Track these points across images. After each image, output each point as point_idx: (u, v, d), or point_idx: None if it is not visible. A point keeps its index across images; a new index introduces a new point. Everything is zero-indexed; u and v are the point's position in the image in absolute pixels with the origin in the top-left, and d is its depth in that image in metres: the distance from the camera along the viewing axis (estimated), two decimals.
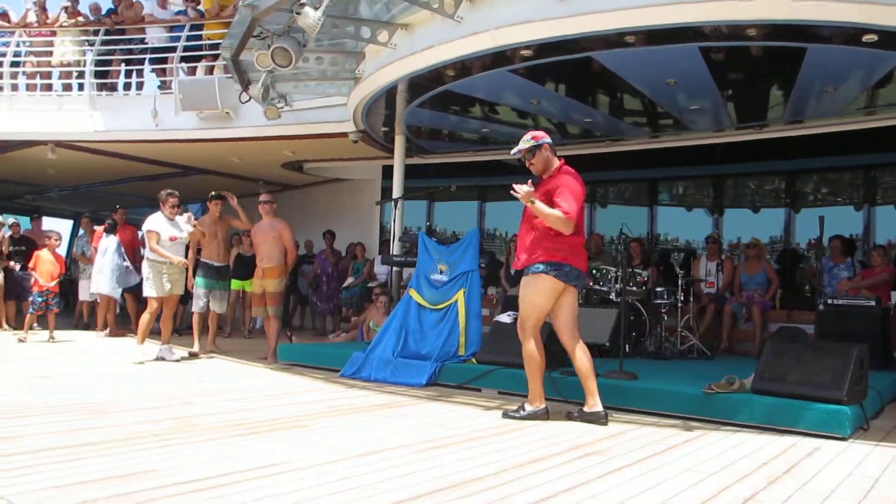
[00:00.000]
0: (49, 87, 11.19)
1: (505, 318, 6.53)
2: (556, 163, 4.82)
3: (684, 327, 7.69)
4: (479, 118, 9.41)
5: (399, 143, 9.45)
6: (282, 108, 8.37)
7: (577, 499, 2.92)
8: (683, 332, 7.67)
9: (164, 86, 10.72)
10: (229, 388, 5.73)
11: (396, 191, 9.06)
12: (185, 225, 7.62)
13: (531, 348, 4.73)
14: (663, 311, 7.79)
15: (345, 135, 9.65)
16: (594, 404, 4.63)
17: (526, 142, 4.81)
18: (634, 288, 7.77)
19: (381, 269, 10.63)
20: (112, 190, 14.65)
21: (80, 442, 3.62)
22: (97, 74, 10.76)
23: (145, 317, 7.45)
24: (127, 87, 11.27)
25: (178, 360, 7.38)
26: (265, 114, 8.32)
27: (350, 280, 11.27)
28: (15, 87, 11.03)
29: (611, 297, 7.74)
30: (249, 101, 8.41)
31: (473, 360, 6.29)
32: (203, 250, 8.18)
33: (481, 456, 3.61)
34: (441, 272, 6.76)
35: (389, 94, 8.06)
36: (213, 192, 8.30)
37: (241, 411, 4.69)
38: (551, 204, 4.57)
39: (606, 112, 8.98)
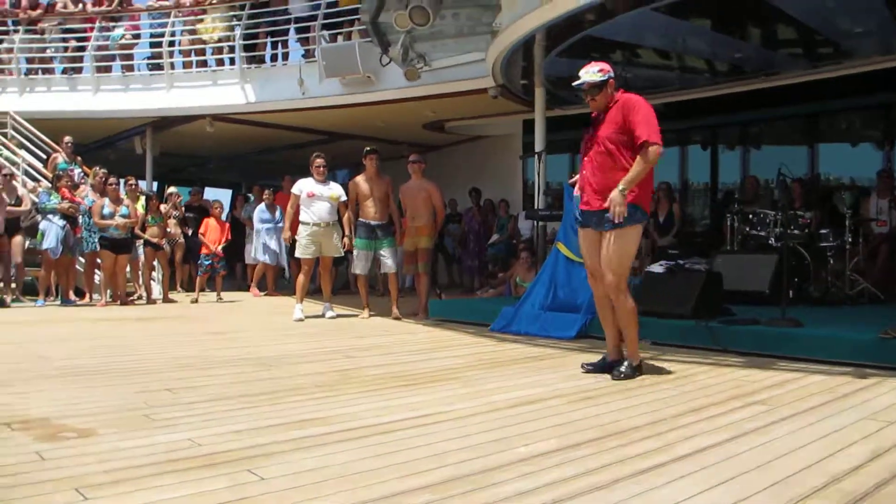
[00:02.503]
0: (204, 64, 11.89)
1: (657, 268, 6.34)
2: (615, 95, 4.34)
3: (853, 270, 7.16)
4: (620, 63, 9.07)
5: (539, 95, 9.29)
6: (421, 68, 8.47)
7: (740, 449, 2.81)
8: (853, 276, 7.14)
9: (307, 55, 11.09)
10: (385, 343, 5.94)
11: (538, 144, 8.93)
12: (335, 187, 7.87)
13: (632, 304, 4.36)
14: (829, 254, 7.29)
15: (484, 91, 9.62)
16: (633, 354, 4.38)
17: (593, 74, 4.30)
18: (796, 231, 7.31)
19: (524, 225, 10.60)
20: (264, 160, 15.45)
21: (254, 392, 3.89)
22: (246, 48, 11.28)
23: (300, 278, 7.85)
24: (273, 58, 11.77)
25: (334, 318, 7.72)
26: (405, 75, 8.46)
27: (495, 237, 11.33)
28: (173, 66, 11.81)
29: (770, 242, 7.33)
30: (390, 64, 8.55)
31: None
32: (360, 210, 7.85)
33: (637, 406, 3.55)
34: None
35: (527, 45, 7.92)
36: (367, 147, 8.03)
37: (399, 364, 4.86)
38: (622, 135, 4.20)
39: (758, 44, 8.39)
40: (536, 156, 8.41)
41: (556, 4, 6.65)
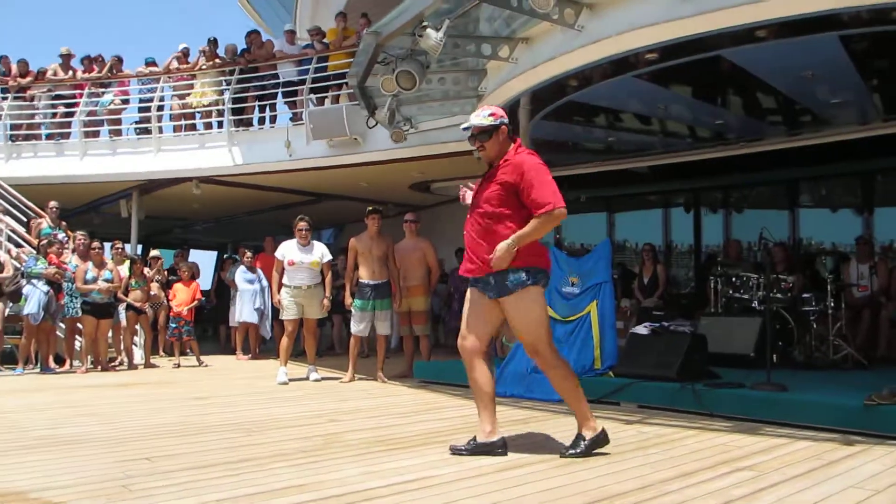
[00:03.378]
0: (192, 127, 12.00)
1: (641, 329, 6.36)
2: (510, 147, 3.92)
3: (836, 335, 7.19)
4: (603, 127, 9.25)
5: None
6: (407, 130, 8.58)
7: None
8: (836, 341, 7.16)
9: (295, 117, 11.22)
10: (370, 406, 5.87)
11: None
12: (317, 250, 7.86)
13: (566, 370, 3.97)
14: (812, 318, 7.32)
15: (471, 152, 9.69)
16: (491, 433, 3.94)
17: (482, 118, 3.91)
18: (779, 295, 7.37)
19: None
20: (251, 220, 15.49)
21: (236, 458, 3.81)
22: (234, 111, 11.41)
23: (284, 340, 7.79)
24: (261, 121, 11.89)
25: (319, 381, 7.63)
26: (391, 137, 8.56)
27: None
28: (161, 130, 11.92)
29: (753, 305, 7.38)
30: (376, 126, 8.66)
31: (610, 373, 6.16)
32: (360, 269, 7.72)
33: (624, 471, 3.51)
34: (572, 284, 6.66)
35: (512, 108, 8.06)
36: (370, 207, 7.95)
37: (384, 427, 4.80)
38: (509, 197, 3.79)
39: (739, 112, 8.60)
40: None
41: (538, 71, 6.81)
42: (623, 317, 8.98)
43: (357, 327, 7.70)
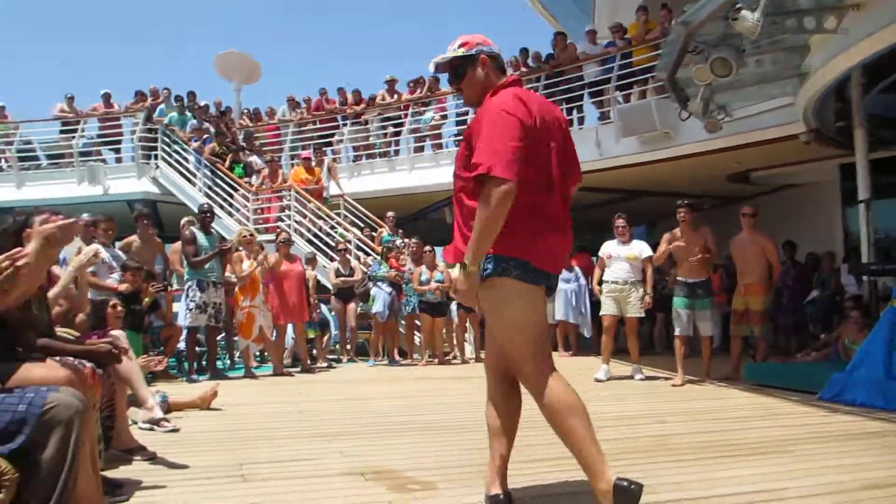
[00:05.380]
0: None
1: None
2: (494, 89, 2.88)
3: None
4: None
5: (859, 137, 8.45)
6: (722, 119, 8.19)
7: None
8: None
9: (602, 116, 11.30)
10: (698, 409, 5.71)
11: (862, 192, 8.06)
12: (636, 245, 7.86)
13: (557, 393, 2.86)
14: None
15: (793, 137, 9.01)
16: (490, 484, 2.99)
17: (453, 50, 2.97)
18: None
19: (849, 280, 9.61)
20: None
21: (565, 455, 3.94)
22: None
23: (603, 337, 7.88)
24: (570, 123, 12.14)
25: (643, 380, 7.60)
26: (705, 128, 8.24)
27: (814, 293, 10.42)
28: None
29: None
30: (689, 118, 8.39)
31: None
32: (677, 267, 7.65)
33: None
34: None
35: (843, 84, 7.32)
36: (679, 201, 7.70)
37: (716, 432, 4.65)
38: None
39: None
40: (863, 204, 7.63)
41: (875, 40, 6.10)
42: None
43: (679, 327, 7.51)
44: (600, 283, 8.01)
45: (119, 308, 4.22)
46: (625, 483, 2.62)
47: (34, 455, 1.89)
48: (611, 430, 4.69)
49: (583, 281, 11.01)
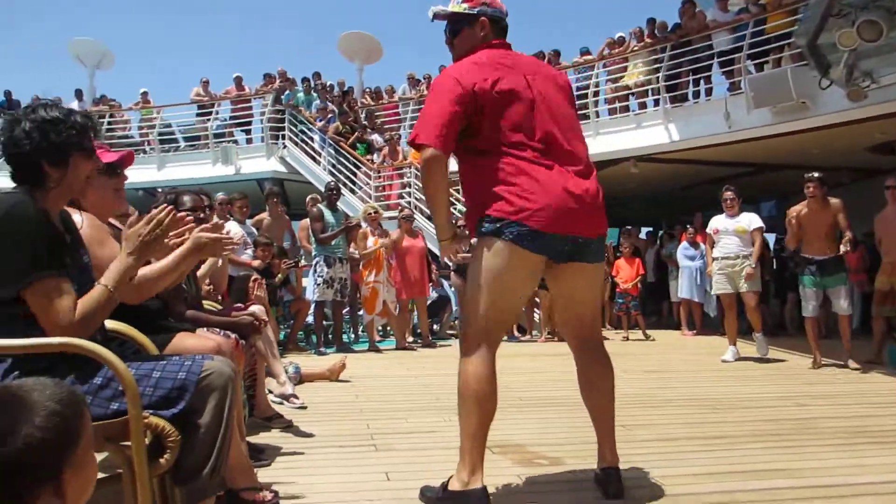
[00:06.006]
0: (626, 109, 12.36)
1: None
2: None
3: None
4: None
5: None
6: (867, 87, 7.64)
7: None
8: None
9: (732, 87, 10.78)
10: (840, 392, 5.41)
11: None
12: (744, 218, 7.51)
13: (473, 370, 2.72)
14: None
15: None
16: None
17: (456, 4, 2.81)
18: None
19: None
20: (685, 196, 15.34)
21: (705, 435, 3.87)
22: (668, 88, 11.41)
23: (727, 316, 7.58)
24: (696, 94, 11.68)
25: (765, 356, 7.30)
26: (848, 96, 7.72)
27: None
28: (598, 115, 12.49)
29: None
30: (829, 87, 7.88)
31: None
32: (803, 244, 7.06)
33: None
34: None
35: None
36: (808, 174, 7.07)
37: (861, 417, 4.40)
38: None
39: None
40: None
41: None
42: None
43: (807, 307, 7.06)
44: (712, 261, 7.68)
45: (261, 283, 4.42)
46: (477, 492, 2.55)
47: (192, 420, 2.01)
48: (749, 412, 4.54)
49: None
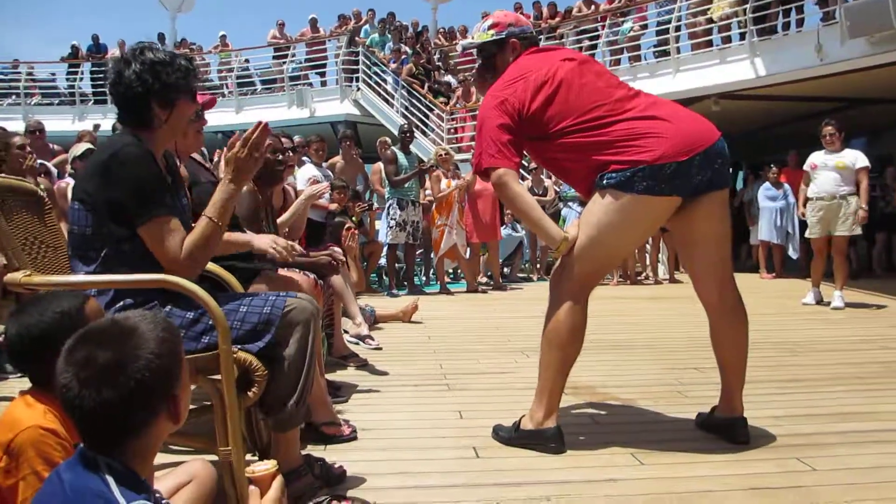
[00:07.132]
0: (709, 44, 11.84)
1: None
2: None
3: None
4: None
5: None
6: None
7: None
8: None
9: (826, 17, 10.21)
10: None
11: None
12: (848, 154, 7.08)
13: (566, 319, 2.66)
14: None
15: None
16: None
17: (482, 33, 2.83)
18: None
19: None
20: (769, 135, 14.74)
21: (783, 378, 3.80)
22: (755, 21, 10.87)
23: (814, 259, 7.29)
24: (786, 26, 11.10)
25: (839, 308, 6.83)
26: None
27: None
28: (678, 51, 12.02)
29: None
30: None
31: None
32: None
33: None
34: None
35: None
36: None
37: None
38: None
39: None
40: None
41: None
42: None
43: None
44: (806, 202, 7.26)
45: (355, 232, 4.52)
46: (551, 431, 2.65)
47: (277, 353, 2.09)
48: (829, 355, 4.44)
49: (791, 199, 10.23)
